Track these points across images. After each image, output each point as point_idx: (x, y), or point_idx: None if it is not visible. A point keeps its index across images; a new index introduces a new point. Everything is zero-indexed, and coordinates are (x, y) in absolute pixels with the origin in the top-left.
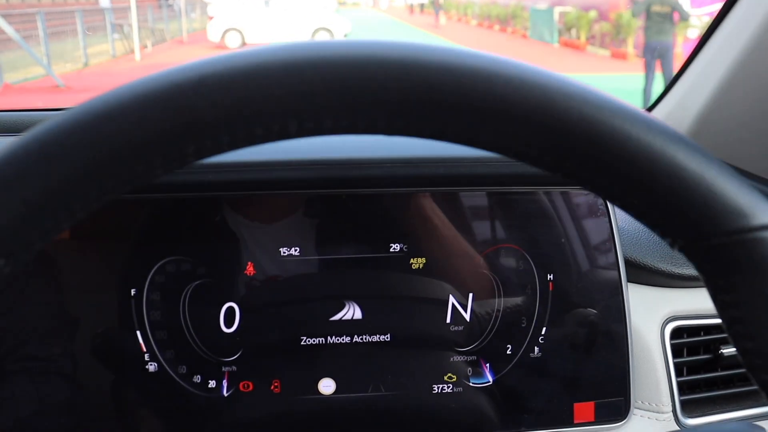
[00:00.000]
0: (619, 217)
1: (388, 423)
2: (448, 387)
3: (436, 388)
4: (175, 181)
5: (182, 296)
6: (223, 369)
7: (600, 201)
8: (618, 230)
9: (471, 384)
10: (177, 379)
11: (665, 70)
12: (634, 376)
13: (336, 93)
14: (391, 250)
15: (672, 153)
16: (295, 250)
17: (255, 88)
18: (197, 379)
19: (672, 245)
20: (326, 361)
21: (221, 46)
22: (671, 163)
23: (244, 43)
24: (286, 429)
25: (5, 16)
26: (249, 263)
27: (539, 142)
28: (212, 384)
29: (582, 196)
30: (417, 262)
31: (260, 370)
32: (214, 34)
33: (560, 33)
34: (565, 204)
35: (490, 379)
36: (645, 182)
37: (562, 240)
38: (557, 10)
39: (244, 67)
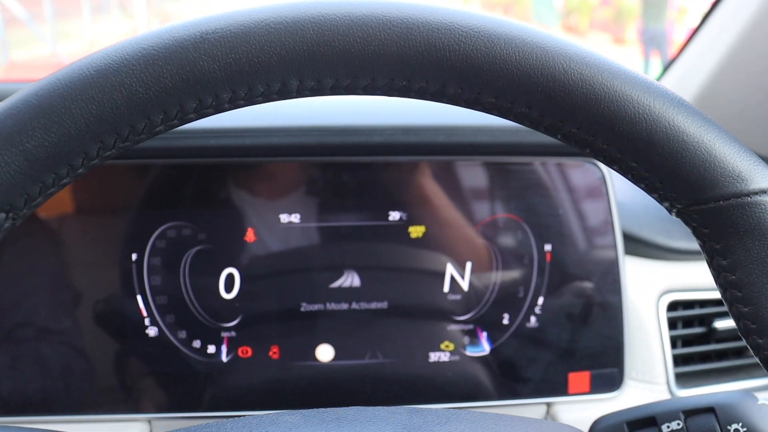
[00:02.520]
0: (616, 190)
1: (384, 390)
2: (445, 355)
3: (433, 357)
4: (175, 146)
5: (183, 262)
6: (223, 335)
7: (599, 173)
8: (616, 203)
9: (467, 353)
10: (177, 344)
11: (662, 57)
12: (629, 348)
13: (338, 51)
14: (390, 218)
15: (671, 116)
16: (295, 217)
17: (257, 44)
18: (197, 344)
19: (670, 210)
20: (324, 328)
21: None
22: (670, 126)
23: None
24: (284, 395)
25: None
26: (249, 229)
27: (539, 103)
28: (211, 349)
29: (581, 168)
30: (416, 231)
31: (259, 336)
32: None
33: (562, 17)
34: (564, 175)
35: (487, 349)
36: (644, 145)
37: (561, 211)
38: None
39: (246, 22)
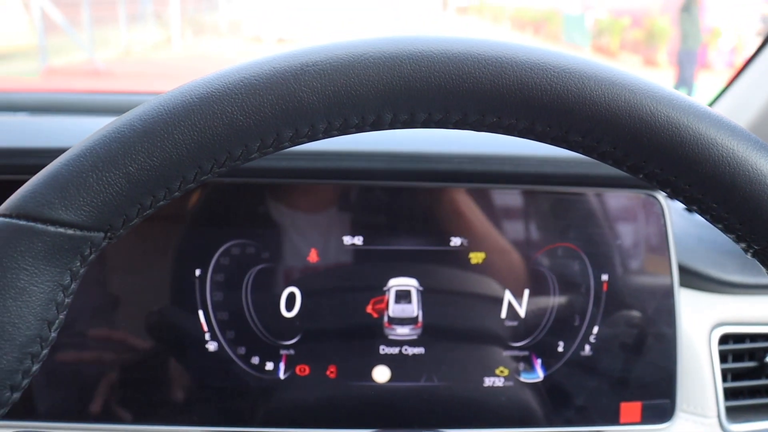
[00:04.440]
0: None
1: (438, 413)
2: (499, 380)
3: (487, 381)
4: (246, 166)
5: (245, 279)
6: (281, 352)
7: (658, 205)
8: (673, 234)
9: (521, 379)
10: (236, 359)
11: (685, 78)
12: (681, 380)
13: (433, 87)
14: (452, 244)
15: (755, 160)
16: (358, 240)
17: (355, 78)
18: (255, 360)
19: (746, 250)
20: (382, 350)
21: (256, 38)
22: (753, 170)
23: (279, 38)
24: (339, 414)
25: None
26: (312, 250)
27: (625, 143)
28: (269, 366)
29: (640, 200)
30: (476, 257)
31: (317, 354)
32: (249, 27)
33: (593, 38)
34: (623, 207)
35: (541, 375)
36: (726, 187)
37: (619, 242)
38: (590, 15)
39: (345, 56)
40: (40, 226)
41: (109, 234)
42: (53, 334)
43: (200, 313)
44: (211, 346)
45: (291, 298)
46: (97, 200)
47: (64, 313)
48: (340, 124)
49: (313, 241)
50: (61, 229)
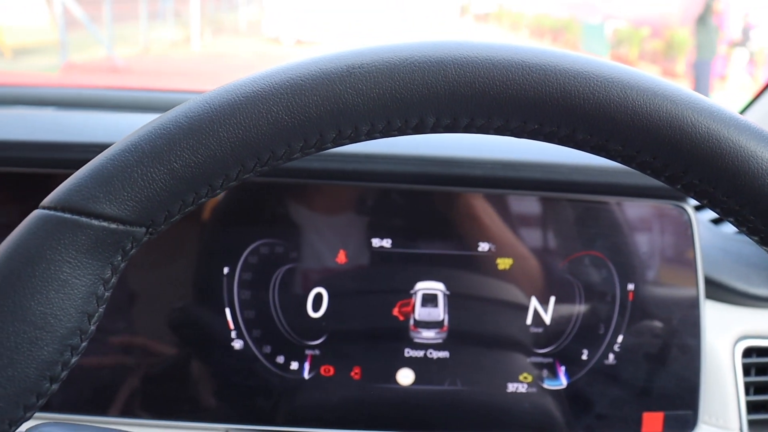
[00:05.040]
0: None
1: (461, 417)
2: (523, 387)
3: (510, 387)
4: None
5: (273, 278)
6: (306, 352)
7: (686, 216)
8: (700, 246)
9: (545, 386)
10: (261, 358)
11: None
12: (704, 391)
13: (477, 92)
14: (480, 249)
15: None
16: (387, 242)
17: (400, 81)
18: (280, 359)
19: None
20: (407, 352)
21: (275, 39)
22: None
23: (297, 40)
24: (362, 415)
25: None
26: (340, 251)
27: (665, 154)
28: (294, 366)
29: (668, 211)
30: (503, 263)
31: (342, 355)
32: (268, 28)
33: (611, 48)
34: (651, 217)
35: (564, 383)
36: (764, 200)
37: (646, 252)
38: (610, 24)
39: (391, 59)
40: (84, 219)
41: (150, 229)
42: (92, 327)
43: (227, 311)
44: (237, 344)
45: (317, 298)
46: (140, 195)
47: (104, 306)
48: (383, 126)
49: (341, 242)
50: (105, 223)
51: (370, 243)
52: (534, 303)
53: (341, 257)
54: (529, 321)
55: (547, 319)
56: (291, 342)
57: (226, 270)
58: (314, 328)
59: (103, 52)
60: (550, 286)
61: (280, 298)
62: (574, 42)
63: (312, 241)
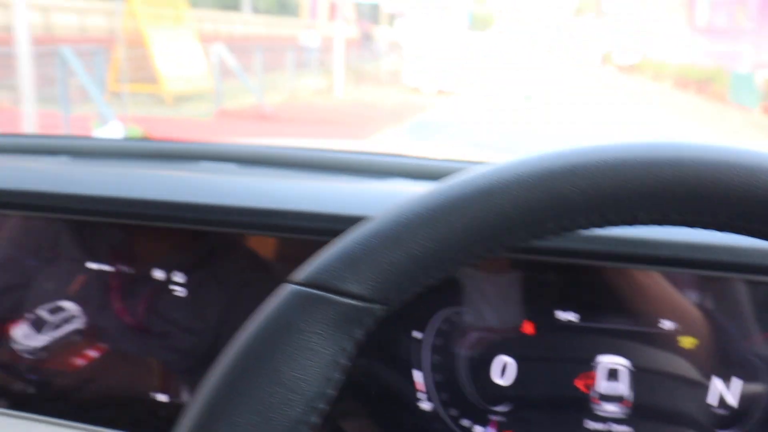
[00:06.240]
0: None
1: None
2: None
3: None
4: None
5: (461, 344)
6: (490, 417)
7: None
8: None
9: None
10: (448, 420)
11: None
12: None
13: (690, 192)
14: (661, 326)
15: None
16: (573, 316)
17: (620, 181)
18: (465, 422)
19: None
20: (590, 426)
21: (416, 89)
22: None
23: (439, 90)
24: None
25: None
26: (526, 321)
27: None
28: (479, 430)
29: None
30: (686, 341)
31: (526, 423)
32: (408, 77)
33: (763, 99)
34: None
35: None
36: None
37: None
38: (761, 74)
39: (611, 159)
40: (332, 296)
41: (386, 306)
42: (332, 392)
43: (415, 372)
44: (425, 406)
45: (504, 365)
46: (382, 276)
47: (343, 375)
48: (597, 220)
49: (527, 312)
50: (350, 300)
51: (555, 314)
52: (718, 383)
53: (527, 327)
54: (712, 401)
55: (731, 400)
56: (476, 407)
57: (417, 335)
58: (498, 394)
59: (253, 99)
60: (735, 367)
61: (467, 363)
62: (722, 93)
63: (497, 310)
